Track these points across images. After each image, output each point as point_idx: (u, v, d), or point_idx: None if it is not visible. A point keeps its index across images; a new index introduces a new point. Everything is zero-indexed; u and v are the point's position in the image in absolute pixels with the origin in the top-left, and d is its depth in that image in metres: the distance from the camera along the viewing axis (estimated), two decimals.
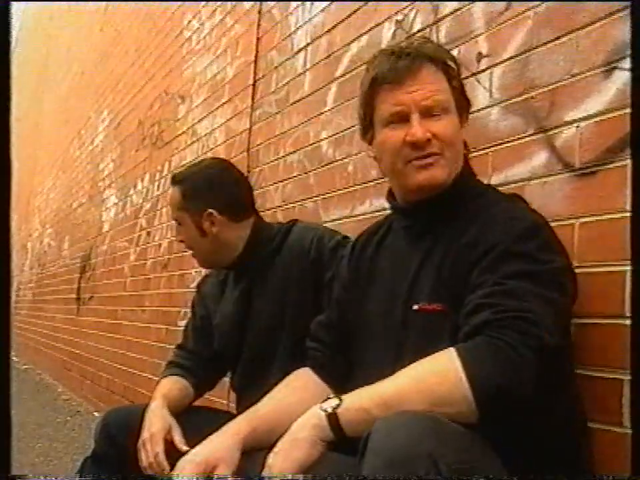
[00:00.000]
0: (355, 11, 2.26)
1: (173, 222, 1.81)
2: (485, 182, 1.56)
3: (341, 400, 1.01)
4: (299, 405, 1.12)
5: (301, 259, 1.63)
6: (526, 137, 1.48)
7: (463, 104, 1.24)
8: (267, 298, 1.69)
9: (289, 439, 1.04)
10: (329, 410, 1.00)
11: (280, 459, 1.03)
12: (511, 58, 1.55)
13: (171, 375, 1.75)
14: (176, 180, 1.74)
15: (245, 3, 3.27)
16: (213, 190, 1.69)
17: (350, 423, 0.99)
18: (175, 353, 1.86)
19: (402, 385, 0.97)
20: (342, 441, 1.00)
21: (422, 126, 1.15)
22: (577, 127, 1.35)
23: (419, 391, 0.95)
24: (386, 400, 0.96)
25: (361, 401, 0.99)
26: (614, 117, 1.27)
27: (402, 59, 1.17)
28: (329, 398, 1.03)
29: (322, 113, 2.39)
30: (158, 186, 4.37)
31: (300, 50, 2.64)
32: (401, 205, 1.27)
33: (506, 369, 0.92)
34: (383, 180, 1.78)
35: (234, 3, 3.43)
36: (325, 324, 1.36)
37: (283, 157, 2.66)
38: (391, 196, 1.31)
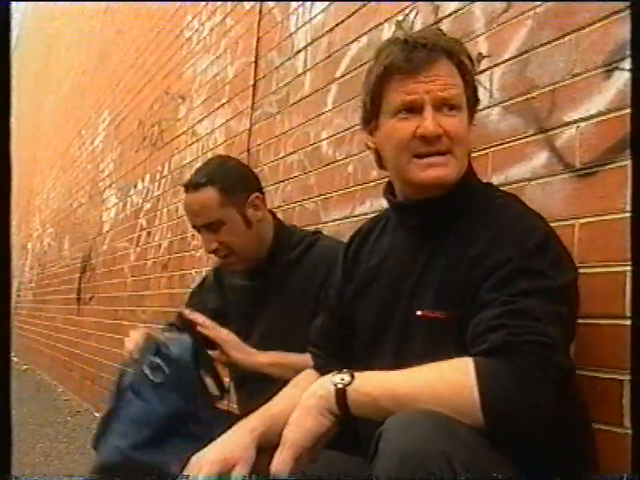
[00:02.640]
0: (355, 12, 2.26)
1: (201, 230, 1.67)
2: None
3: (352, 377, 0.99)
4: None
5: (328, 278, 1.51)
6: (526, 137, 1.48)
7: (474, 102, 1.20)
8: (283, 306, 1.67)
9: (299, 408, 1.04)
10: (339, 385, 0.99)
11: (293, 429, 1.03)
12: (511, 58, 1.54)
13: None
14: (202, 183, 1.64)
15: (245, 3, 3.27)
16: (245, 177, 1.72)
17: (356, 403, 0.98)
18: None
19: (414, 387, 0.95)
20: (346, 416, 1.00)
21: (434, 120, 1.10)
22: (577, 127, 1.35)
23: (430, 396, 0.93)
24: (396, 396, 0.95)
25: (372, 387, 0.98)
26: (614, 117, 1.27)
27: (417, 49, 1.11)
28: (342, 372, 1.01)
29: (322, 114, 2.39)
30: (158, 186, 4.37)
31: (300, 50, 2.64)
32: (401, 202, 1.21)
33: (522, 399, 0.90)
34: (383, 180, 1.78)
35: (234, 3, 3.43)
36: (321, 330, 1.35)
37: (283, 157, 2.66)
38: (389, 190, 1.25)
